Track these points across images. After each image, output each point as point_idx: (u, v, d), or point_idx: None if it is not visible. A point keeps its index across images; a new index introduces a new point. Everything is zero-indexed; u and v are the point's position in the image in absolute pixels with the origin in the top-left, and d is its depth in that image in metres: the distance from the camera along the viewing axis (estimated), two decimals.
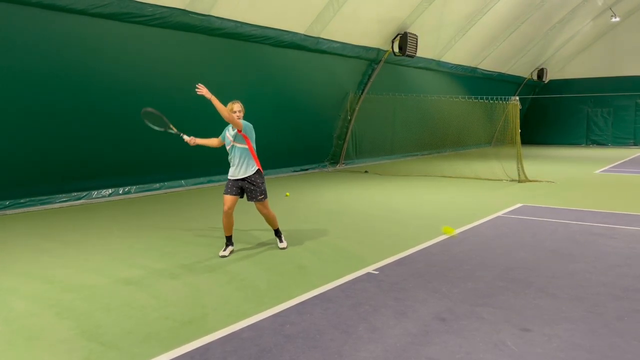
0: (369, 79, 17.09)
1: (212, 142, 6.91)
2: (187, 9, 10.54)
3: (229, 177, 6.55)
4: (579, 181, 13.56)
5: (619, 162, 19.04)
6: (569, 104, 29.18)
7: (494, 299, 4.82)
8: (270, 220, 6.68)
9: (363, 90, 17.12)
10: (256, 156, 6.49)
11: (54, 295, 5.06)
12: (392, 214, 9.16)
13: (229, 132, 6.54)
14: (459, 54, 20.61)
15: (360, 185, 12.92)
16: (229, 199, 6.40)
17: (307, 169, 16.22)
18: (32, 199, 9.75)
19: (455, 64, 21.20)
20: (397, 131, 19.87)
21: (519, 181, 13.23)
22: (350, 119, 17.12)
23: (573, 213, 9.03)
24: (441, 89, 21.23)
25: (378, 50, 16.34)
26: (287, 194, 11.36)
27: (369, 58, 16.42)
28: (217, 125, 12.65)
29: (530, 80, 28.76)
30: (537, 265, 5.88)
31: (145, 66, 10.91)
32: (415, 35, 16.50)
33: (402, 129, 19.85)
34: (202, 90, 6.13)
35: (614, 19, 24.87)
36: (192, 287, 5.26)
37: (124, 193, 11.16)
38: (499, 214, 9.00)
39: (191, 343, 3.93)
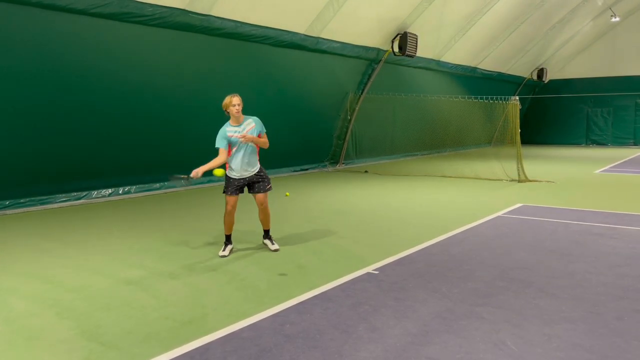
0: (368, 79, 17.09)
1: (218, 161, 6.32)
2: (187, 8, 10.54)
3: (234, 177, 6.36)
4: (579, 181, 13.56)
5: (619, 162, 19.05)
6: (569, 103, 29.18)
7: (493, 298, 4.82)
8: (267, 215, 6.58)
9: (363, 90, 17.11)
10: None
11: (54, 295, 5.06)
12: (392, 213, 9.16)
13: (233, 132, 6.23)
14: (458, 54, 20.61)
15: (360, 185, 12.92)
16: (233, 199, 6.37)
17: (306, 169, 16.22)
18: (32, 198, 9.74)
19: (455, 64, 21.19)
20: (397, 131, 19.87)
21: (519, 181, 13.23)
22: (350, 119, 17.12)
23: (573, 213, 9.03)
24: (441, 89, 21.23)
25: (378, 50, 16.34)
26: (287, 193, 11.34)
27: (369, 58, 16.42)
28: (216, 125, 12.68)
29: (530, 80, 28.76)
30: (537, 265, 5.88)
31: (145, 66, 10.91)
32: (415, 35, 16.50)
33: (402, 129, 19.85)
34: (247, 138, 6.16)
35: (613, 19, 24.87)
36: (192, 287, 5.26)
37: (124, 193, 11.16)
38: (499, 213, 9.00)
39: (191, 343, 3.93)
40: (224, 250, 6.42)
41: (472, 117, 22.21)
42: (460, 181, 13.58)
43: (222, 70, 12.46)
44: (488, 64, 23.36)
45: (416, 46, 16.64)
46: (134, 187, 11.39)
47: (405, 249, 6.61)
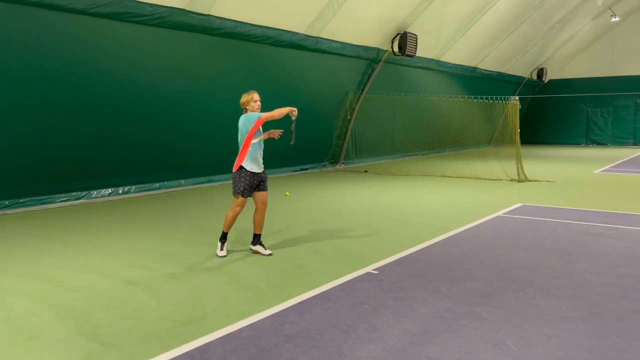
0: (368, 79, 17.09)
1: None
2: (187, 8, 10.54)
3: (252, 171, 6.18)
4: (578, 181, 13.56)
5: (619, 161, 19.05)
6: (569, 103, 29.18)
7: (493, 298, 4.82)
8: (263, 216, 6.44)
9: (363, 90, 17.11)
10: None
11: (54, 295, 5.05)
12: (392, 213, 9.16)
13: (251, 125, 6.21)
14: (458, 54, 20.61)
15: (360, 185, 12.92)
16: (245, 201, 6.28)
17: (306, 169, 16.22)
18: (32, 198, 9.74)
19: (455, 64, 21.19)
20: (397, 131, 19.87)
21: (519, 181, 13.23)
22: (350, 119, 17.12)
23: (573, 213, 9.03)
24: (441, 89, 21.23)
25: (378, 50, 16.34)
26: (287, 193, 11.36)
27: (369, 58, 16.42)
28: (216, 125, 12.70)
29: (530, 80, 28.76)
30: (536, 265, 5.88)
31: (145, 66, 10.91)
32: (415, 35, 16.49)
33: (401, 129, 19.85)
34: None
35: (613, 19, 24.87)
36: (191, 287, 5.26)
37: (124, 193, 11.16)
38: (499, 213, 9.00)
39: (191, 343, 3.93)
40: (222, 249, 6.38)
41: (472, 117, 22.21)
42: (460, 181, 13.58)
43: (222, 70, 12.46)
44: (488, 64, 23.36)
45: (416, 46, 16.64)
46: (134, 187, 11.39)
47: (405, 249, 6.61)
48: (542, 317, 4.37)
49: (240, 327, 4.21)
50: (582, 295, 4.91)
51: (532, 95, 30.27)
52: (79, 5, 9.12)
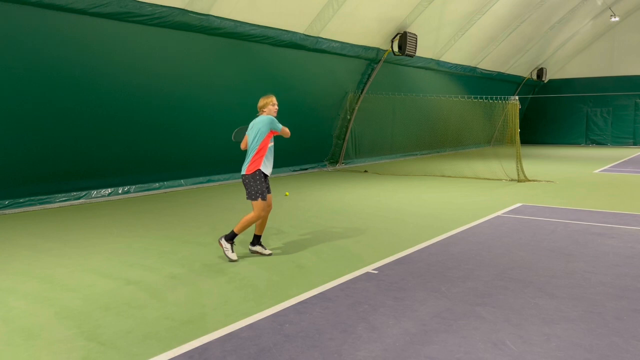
0: (368, 79, 17.09)
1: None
2: (187, 8, 10.54)
3: (265, 173, 6.14)
4: (578, 181, 13.57)
5: (619, 161, 19.05)
6: (569, 103, 29.19)
7: (493, 298, 4.82)
8: (266, 218, 6.41)
9: (362, 90, 17.12)
10: None
11: (53, 295, 5.05)
12: (392, 213, 9.16)
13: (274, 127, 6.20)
14: (458, 54, 20.62)
15: (359, 185, 12.92)
16: (266, 203, 6.16)
17: (306, 169, 16.22)
18: (32, 198, 9.74)
19: (454, 64, 21.19)
20: (397, 131, 19.87)
21: (518, 181, 13.24)
22: (350, 119, 17.12)
23: (572, 213, 9.04)
24: (441, 89, 21.24)
25: (377, 49, 16.34)
26: (287, 193, 11.36)
27: (369, 57, 16.42)
28: (216, 124, 12.69)
29: (530, 80, 28.77)
30: (536, 265, 5.88)
31: (145, 66, 10.91)
32: (414, 34, 16.50)
33: (401, 129, 19.86)
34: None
35: (613, 19, 24.87)
36: (191, 287, 5.26)
37: (124, 193, 11.16)
38: (498, 213, 9.00)
39: (190, 342, 3.93)
40: (232, 252, 6.16)
41: (472, 116, 22.22)
42: (459, 181, 13.58)
43: (222, 69, 12.46)
44: (487, 64, 23.36)
45: (416, 46, 16.64)
46: (134, 186, 11.39)
47: (404, 249, 6.61)
48: (541, 317, 4.37)
49: (240, 326, 4.21)
50: (582, 294, 4.91)
51: (532, 95, 30.28)
52: (79, 5, 9.12)
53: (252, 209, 6.28)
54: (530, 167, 15.82)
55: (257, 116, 6.26)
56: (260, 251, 6.42)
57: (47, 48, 9.30)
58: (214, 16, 11.14)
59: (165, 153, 11.97)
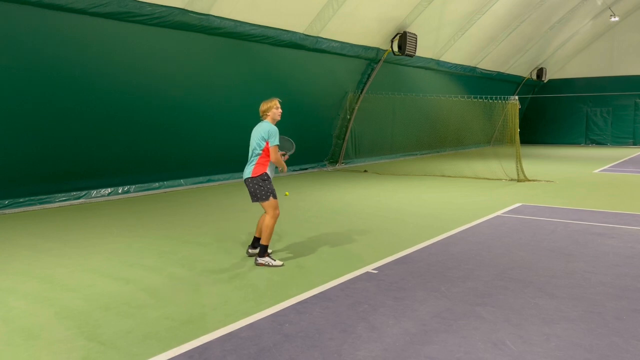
0: (368, 79, 17.09)
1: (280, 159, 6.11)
2: (186, 8, 10.54)
3: (271, 178, 6.05)
4: (578, 181, 13.57)
5: (618, 161, 19.06)
6: (568, 103, 29.19)
7: (493, 298, 4.82)
8: None
9: (362, 90, 17.12)
10: None
11: (53, 295, 5.05)
12: (392, 213, 9.16)
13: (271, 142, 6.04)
14: (458, 54, 20.62)
15: (359, 185, 12.92)
16: (277, 202, 6.06)
17: (306, 169, 16.21)
18: (32, 198, 9.74)
19: (454, 64, 21.20)
20: (397, 131, 19.87)
21: (518, 181, 13.24)
22: (350, 119, 17.12)
23: (572, 212, 9.04)
24: (440, 89, 21.24)
25: (377, 49, 16.34)
26: (287, 193, 11.35)
27: (368, 57, 16.42)
28: (215, 124, 12.69)
29: (530, 80, 28.77)
30: (536, 265, 5.88)
31: (145, 65, 10.90)
32: (414, 34, 16.50)
33: (401, 129, 19.86)
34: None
35: (613, 19, 24.88)
36: (191, 287, 5.26)
37: (123, 192, 11.15)
38: (498, 213, 9.00)
39: (190, 342, 3.93)
40: (274, 260, 5.94)
41: (472, 116, 22.22)
42: (459, 181, 13.58)
43: (222, 69, 12.46)
44: (487, 64, 23.37)
45: (415, 46, 16.64)
46: (133, 186, 11.39)
47: (404, 249, 6.61)
48: (541, 317, 4.37)
49: (240, 326, 4.21)
50: (582, 294, 4.91)
51: (532, 95, 30.28)
52: (79, 4, 9.12)
53: (260, 213, 6.08)
54: (530, 167, 15.83)
55: (261, 120, 6.07)
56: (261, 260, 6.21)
57: (47, 48, 9.30)
58: (214, 16, 11.13)
59: (165, 153, 11.96)
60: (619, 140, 28.28)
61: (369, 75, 17.05)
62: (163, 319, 4.41)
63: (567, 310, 4.51)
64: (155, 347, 3.86)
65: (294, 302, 4.73)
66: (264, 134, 5.90)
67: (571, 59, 29.34)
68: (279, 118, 6.08)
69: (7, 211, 9.31)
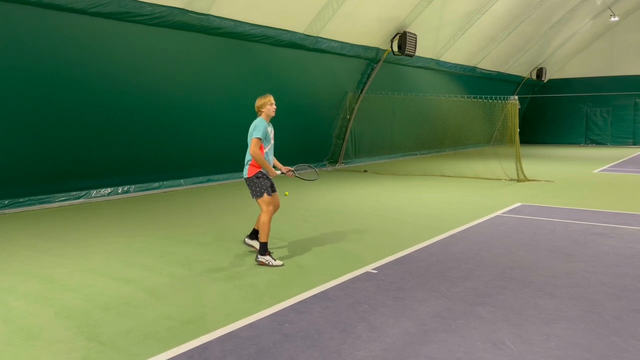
0: (368, 79, 17.09)
1: (262, 156, 6.03)
2: (186, 8, 10.54)
3: (267, 175, 6.07)
4: (577, 181, 13.57)
5: (618, 161, 19.06)
6: (568, 103, 29.20)
7: (492, 298, 4.83)
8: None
9: (362, 90, 17.12)
10: None
11: (53, 295, 5.05)
12: (391, 213, 9.16)
13: (270, 130, 6.12)
14: (458, 54, 20.62)
15: (359, 185, 12.92)
16: (273, 199, 6.07)
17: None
18: (31, 198, 9.74)
19: (454, 64, 21.20)
20: (396, 131, 19.88)
21: (518, 180, 13.24)
22: (350, 119, 17.12)
23: (572, 212, 9.04)
24: (440, 89, 21.24)
25: (377, 49, 16.34)
26: (287, 193, 11.36)
27: (368, 57, 16.42)
28: (215, 124, 12.69)
29: (530, 80, 28.78)
30: (535, 265, 5.88)
31: (144, 65, 10.91)
32: (414, 34, 16.50)
33: (401, 129, 19.86)
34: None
35: (613, 19, 24.88)
36: (191, 287, 5.26)
37: (123, 192, 11.16)
38: (498, 213, 9.01)
39: (190, 342, 3.93)
40: (274, 259, 5.94)
41: (471, 116, 22.22)
42: (459, 181, 13.58)
43: (221, 69, 12.47)
44: (487, 64, 23.37)
45: (415, 46, 16.64)
46: (133, 186, 11.39)
47: (404, 249, 6.62)
48: (541, 317, 4.37)
49: (240, 326, 4.21)
50: (581, 294, 4.91)
51: (532, 94, 30.29)
52: (78, 4, 9.12)
53: (259, 212, 6.13)
54: (530, 167, 15.83)
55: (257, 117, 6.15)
56: (255, 246, 6.33)
57: (47, 48, 9.30)
58: (213, 16, 11.14)
59: (165, 153, 11.96)
60: (618, 140, 28.28)
61: (369, 75, 17.05)
62: (163, 318, 4.42)
63: (567, 310, 4.51)
64: (155, 347, 3.86)
65: (294, 302, 4.73)
66: (251, 128, 5.99)
67: (571, 58, 29.34)
68: (273, 114, 6.14)
69: (7, 211, 9.31)
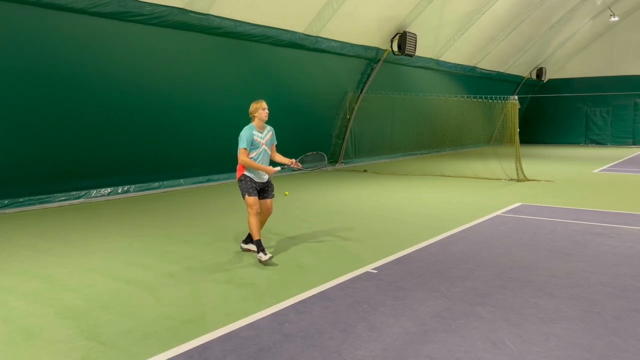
0: (368, 78, 17.09)
1: (250, 161, 6.19)
2: (186, 7, 10.54)
3: (252, 179, 6.21)
4: (577, 180, 13.57)
5: (618, 161, 19.06)
6: (568, 103, 29.20)
7: (492, 298, 4.83)
8: (265, 220, 6.50)
9: (362, 90, 17.12)
10: None
11: (53, 295, 5.06)
12: (391, 213, 9.17)
13: (258, 136, 6.22)
14: (458, 53, 20.62)
15: (359, 185, 12.92)
16: (256, 200, 6.19)
17: (306, 168, 16.19)
18: (31, 198, 9.74)
19: (454, 63, 21.20)
20: (396, 130, 19.88)
21: (518, 180, 13.24)
22: (349, 118, 17.12)
23: (572, 212, 9.04)
24: (440, 89, 21.24)
25: (377, 49, 16.34)
26: (286, 193, 11.36)
27: (368, 57, 16.42)
28: (215, 124, 12.69)
29: (529, 80, 28.77)
30: (535, 265, 5.89)
31: (144, 65, 10.91)
32: (414, 34, 16.50)
33: (401, 129, 19.86)
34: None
35: (612, 19, 24.87)
36: (191, 286, 5.26)
37: (123, 192, 11.16)
38: (498, 213, 9.01)
39: (190, 342, 3.93)
40: (265, 254, 6.00)
41: (471, 116, 22.20)
42: (459, 180, 13.59)
43: (222, 69, 12.47)
44: (487, 64, 23.37)
45: (415, 45, 16.64)
46: (133, 186, 11.39)
47: (404, 248, 6.62)
48: (540, 317, 4.37)
49: (240, 326, 4.21)
50: (581, 294, 4.92)
51: (531, 94, 30.29)
52: (78, 4, 9.12)
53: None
54: (530, 167, 15.83)
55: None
56: (251, 249, 6.48)
57: (47, 48, 9.30)
58: (213, 16, 11.14)
59: (165, 153, 11.96)
60: (618, 140, 28.28)
61: (369, 75, 17.05)
62: (163, 318, 4.42)
63: (567, 310, 4.52)
64: (155, 347, 3.86)
65: (294, 302, 4.73)
66: (238, 138, 6.20)
67: (571, 58, 29.34)
68: (265, 118, 6.27)
69: (7, 211, 9.31)
